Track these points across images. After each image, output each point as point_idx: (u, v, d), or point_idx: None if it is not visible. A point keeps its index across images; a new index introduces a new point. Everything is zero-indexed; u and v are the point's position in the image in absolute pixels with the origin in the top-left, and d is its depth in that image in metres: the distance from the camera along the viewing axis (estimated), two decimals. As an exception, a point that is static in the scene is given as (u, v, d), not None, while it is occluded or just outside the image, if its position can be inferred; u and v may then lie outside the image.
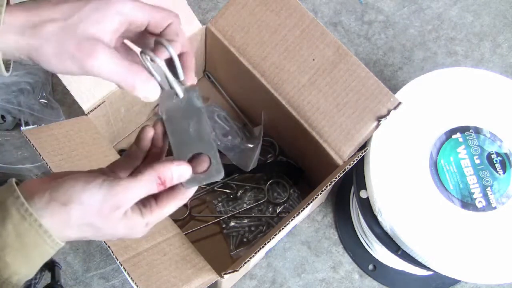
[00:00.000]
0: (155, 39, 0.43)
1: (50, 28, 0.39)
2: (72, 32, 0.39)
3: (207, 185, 0.90)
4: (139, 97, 0.42)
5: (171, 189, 0.43)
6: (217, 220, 0.88)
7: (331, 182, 0.69)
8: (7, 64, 0.42)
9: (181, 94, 0.45)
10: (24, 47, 0.40)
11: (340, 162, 0.74)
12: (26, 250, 0.38)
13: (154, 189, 0.41)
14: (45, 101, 0.93)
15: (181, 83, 0.45)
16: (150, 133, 0.45)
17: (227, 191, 0.90)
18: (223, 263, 0.76)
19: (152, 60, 0.42)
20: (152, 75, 0.43)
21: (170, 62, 0.43)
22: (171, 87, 0.44)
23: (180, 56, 0.44)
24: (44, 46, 0.39)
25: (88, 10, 0.40)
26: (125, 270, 0.59)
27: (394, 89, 0.76)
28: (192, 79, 0.45)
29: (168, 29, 0.43)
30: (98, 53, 0.39)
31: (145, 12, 0.42)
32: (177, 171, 0.42)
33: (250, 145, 0.90)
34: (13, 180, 0.39)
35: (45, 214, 0.38)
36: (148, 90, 0.42)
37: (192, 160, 0.44)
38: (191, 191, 0.44)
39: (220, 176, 0.44)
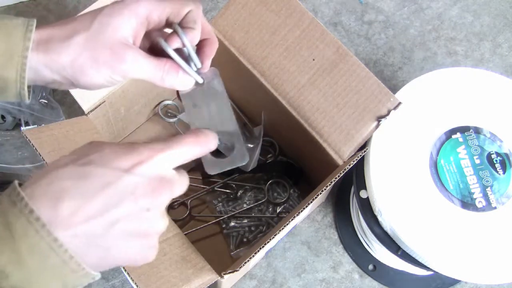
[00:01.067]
0: (173, 27, 0.44)
1: (77, 39, 0.39)
2: (99, 41, 0.40)
3: (207, 184, 0.90)
4: (173, 88, 0.43)
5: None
6: (217, 220, 0.88)
7: (331, 182, 0.69)
8: (28, 91, 0.42)
9: (200, 80, 0.44)
10: (53, 65, 0.40)
11: (340, 162, 0.74)
12: (14, 241, 0.32)
13: (197, 150, 0.39)
14: (45, 101, 0.93)
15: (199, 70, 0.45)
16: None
17: (227, 191, 0.90)
18: (223, 263, 0.76)
19: (164, 48, 0.42)
20: (177, 63, 0.43)
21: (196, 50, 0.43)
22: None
23: (201, 42, 0.44)
24: (79, 59, 0.40)
25: (103, 18, 0.40)
26: (125, 270, 0.59)
27: (394, 89, 0.76)
28: (206, 68, 0.45)
29: (186, 17, 0.43)
30: (126, 56, 0.40)
31: (161, 7, 0.42)
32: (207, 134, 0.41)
33: (250, 145, 0.90)
34: (16, 182, 0.36)
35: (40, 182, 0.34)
36: (178, 82, 0.42)
37: None
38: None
39: (245, 160, 0.42)
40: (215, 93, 0.44)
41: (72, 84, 0.42)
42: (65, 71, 0.40)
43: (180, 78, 0.43)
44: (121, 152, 0.35)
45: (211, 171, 0.42)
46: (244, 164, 0.43)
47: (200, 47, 0.46)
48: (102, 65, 0.40)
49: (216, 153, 0.43)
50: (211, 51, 0.45)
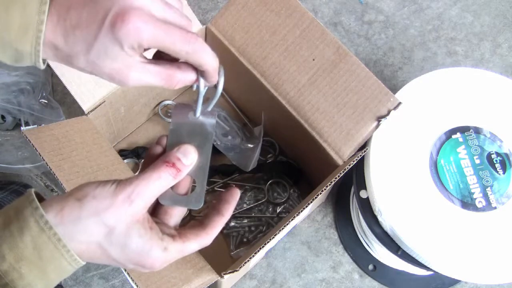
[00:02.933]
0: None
1: (79, 62, 0.39)
2: (98, 66, 0.39)
3: (207, 184, 0.90)
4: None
5: (196, 227, 0.42)
6: (217, 220, 0.88)
7: (331, 182, 0.69)
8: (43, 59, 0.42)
9: (197, 114, 0.44)
10: (62, 61, 0.41)
11: (340, 162, 0.74)
12: (42, 264, 0.37)
13: (168, 178, 0.40)
14: (45, 101, 0.93)
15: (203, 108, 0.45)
16: (157, 151, 0.44)
17: (227, 191, 0.90)
18: (223, 263, 0.76)
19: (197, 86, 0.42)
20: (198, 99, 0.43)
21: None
22: (194, 101, 0.44)
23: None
24: (84, 71, 0.41)
25: (100, 46, 0.38)
26: (125, 270, 0.59)
27: (394, 89, 0.76)
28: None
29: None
30: (130, 73, 0.39)
31: (160, 40, 0.39)
32: (181, 149, 0.42)
33: (250, 145, 0.90)
34: (32, 190, 0.38)
35: (57, 212, 0.37)
36: (188, 82, 0.42)
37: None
38: (216, 231, 0.42)
39: (198, 206, 0.43)
40: (203, 134, 0.44)
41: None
42: (72, 66, 0.41)
43: (190, 79, 0.42)
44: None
45: (162, 200, 0.42)
46: (197, 208, 0.43)
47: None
48: (107, 77, 0.40)
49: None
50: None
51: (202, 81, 0.42)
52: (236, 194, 0.45)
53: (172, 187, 0.42)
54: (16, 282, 0.37)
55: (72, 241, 0.37)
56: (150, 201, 0.39)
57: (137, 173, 0.42)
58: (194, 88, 0.43)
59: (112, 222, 0.37)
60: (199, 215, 0.89)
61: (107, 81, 0.42)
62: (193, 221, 0.43)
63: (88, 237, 0.38)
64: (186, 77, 0.41)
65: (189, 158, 0.42)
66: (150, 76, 0.40)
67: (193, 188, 0.43)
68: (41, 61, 0.40)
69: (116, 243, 0.38)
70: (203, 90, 0.43)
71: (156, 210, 0.44)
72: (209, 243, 0.42)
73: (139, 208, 0.38)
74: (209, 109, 0.45)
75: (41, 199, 0.38)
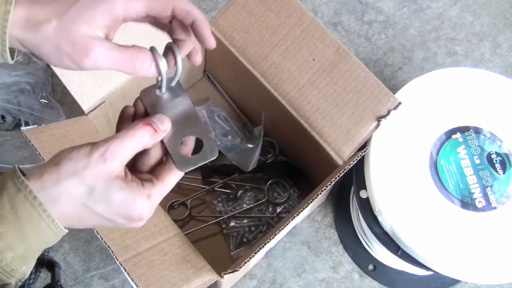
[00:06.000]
0: (166, 44, 0.44)
1: (47, 29, 0.40)
2: (66, 32, 0.40)
3: (207, 184, 0.90)
4: (146, 76, 0.43)
5: (168, 164, 0.43)
6: (217, 220, 0.88)
7: (331, 182, 0.69)
8: (11, 53, 0.43)
9: (163, 90, 0.45)
10: (28, 43, 0.40)
11: (340, 162, 0.74)
12: (20, 223, 0.37)
13: (145, 136, 0.41)
14: (45, 101, 0.93)
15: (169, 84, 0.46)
16: (130, 111, 0.46)
17: (227, 191, 0.90)
18: (223, 263, 0.76)
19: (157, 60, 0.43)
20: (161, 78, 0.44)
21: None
22: (157, 80, 0.45)
23: (194, 25, 0.44)
24: (44, 46, 0.40)
25: (78, 9, 0.40)
26: (125, 270, 0.59)
27: (394, 89, 0.76)
28: (212, 43, 0.45)
29: (177, 16, 0.43)
30: (91, 51, 0.40)
31: (139, 4, 0.42)
32: (156, 116, 0.43)
33: (250, 145, 0.90)
34: (17, 165, 0.39)
35: (37, 178, 0.38)
36: (150, 72, 0.42)
37: (182, 143, 0.44)
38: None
39: (214, 155, 0.44)
40: (178, 98, 0.45)
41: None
42: (33, 50, 0.41)
43: (152, 69, 0.42)
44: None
45: (183, 169, 0.43)
46: (214, 158, 0.44)
47: (196, 32, 0.45)
48: (64, 56, 0.40)
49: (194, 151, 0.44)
50: (207, 31, 0.44)
51: (163, 63, 0.43)
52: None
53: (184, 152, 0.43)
54: None
55: (56, 205, 0.38)
56: (127, 158, 0.40)
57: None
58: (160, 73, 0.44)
59: (91, 181, 0.38)
60: (199, 215, 0.89)
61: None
62: (164, 161, 0.44)
63: (71, 199, 0.38)
64: (146, 55, 0.42)
65: (164, 124, 0.43)
66: (113, 55, 0.40)
67: (201, 146, 0.44)
68: (7, 51, 0.40)
69: (100, 200, 0.39)
70: (165, 68, 0.43)
71: (131, 161, 0.44)
72: (182, 171, 0.43)
73: (115, 165, 0.39)
74: (173, 84, 0.46)
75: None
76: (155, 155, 0.44)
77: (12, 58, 0.43)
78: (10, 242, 0.37)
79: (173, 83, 0.46)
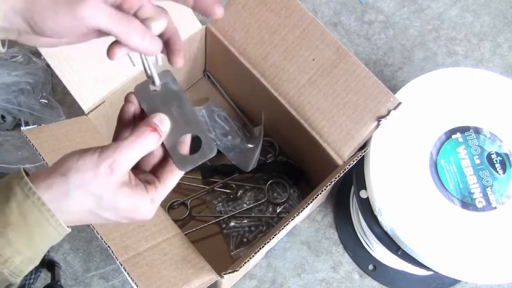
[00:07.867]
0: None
1: None
2: None
3: (207, 184, 0.90)
4: (138, 51, 0.41)
5: (169, 164, 0.44)
6: (217, 220, 0.88)
7: (331, 182, 0.69)
8: (2, 42, 0.43)
9: (157, 81, 0.45)
10: (20, 6, 0.39)
11: (340, 162, 0.74)
12: (29, 229, 0.38)
13: (152, 142, 0.41)
14: (45, 101, 0.93)
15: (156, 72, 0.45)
16: (130, 110, 0.45)
17: (227, 191, 0.90)
18: (223, 263, 0.76)
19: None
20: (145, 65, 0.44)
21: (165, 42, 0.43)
22: (147, 76, 0.45)
23: (165, 36, 0.43)
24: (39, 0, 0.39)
25: None
26: (125, 270, 0.59)
27: (394, 89, 0.76)
28: (180, 62, 0.44)
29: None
30: (90, 1, 0.39)
31: None
32: (157, 117, 0.43)
33: (250, 145, 0.90)
34: (22, 167, 0.40)
35: (46, 189, 0.38)
36: (145, 43, 0.41)
37: (179, 142, 0.44)
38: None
39: (213, 152, 0.44)
40: (173, 94, 0.45)
41: (35, 32, 0.41)
42: (26, 14, 0.39)
43: (147, 40, 0.41)
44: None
45: (184, 168, 0.43)
46: (214, 155, 0.44)
47: (166, 45, 0.44)
48: (61, 7, 0.39)
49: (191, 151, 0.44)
50: (179, 45, 0.44)
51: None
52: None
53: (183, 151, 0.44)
54: (4, 249, 0.38)
55: (65, 213, 0.39)
56: (133, 164, 0.41)
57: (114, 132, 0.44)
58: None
59: (98, 191, 0.39)
60: (199, 215, 0.89)
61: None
62: (162, 162, 0.44)
63: (80, 207, 0.40)
64: (142, 25, 0.41)
65: (165, 125, 0.43)
66: (110, 10, 0.39)
67: (199, 144, 0.44)
68: None
69: (107, 207, 0.40)
70: (154, 61, 0.44)
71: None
72: (184, 170, 0.44)
73: (122, 174, 0.40)
74: (159, 62, 0.45)
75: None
76: (158, 154, 0.45)
77: (3, 46, 0.43)
78: (19, 247, 0.38)
79: (159, 62, 0.45)
